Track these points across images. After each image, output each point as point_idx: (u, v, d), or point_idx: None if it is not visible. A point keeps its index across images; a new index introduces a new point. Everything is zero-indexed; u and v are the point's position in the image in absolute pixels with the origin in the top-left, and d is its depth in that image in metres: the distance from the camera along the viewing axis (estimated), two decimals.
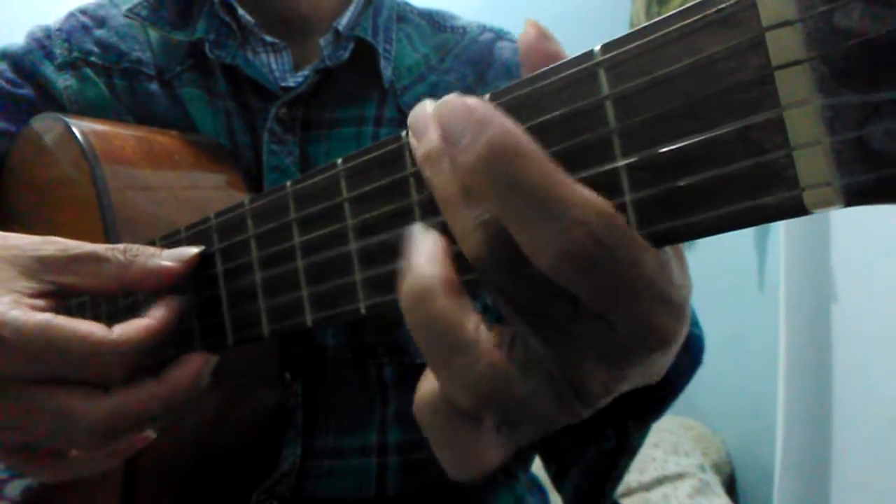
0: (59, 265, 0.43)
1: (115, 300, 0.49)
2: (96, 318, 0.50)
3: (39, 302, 0.42)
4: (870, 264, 1.37)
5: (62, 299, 0.44)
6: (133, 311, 0.47)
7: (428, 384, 0.29)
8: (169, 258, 0.43)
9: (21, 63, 0.74)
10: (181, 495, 0.60)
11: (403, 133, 0.31)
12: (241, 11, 0.72)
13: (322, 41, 0.73)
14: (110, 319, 0.49)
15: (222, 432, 0.61)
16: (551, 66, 0.26)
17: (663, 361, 0.29)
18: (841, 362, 1.46)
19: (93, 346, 0.39)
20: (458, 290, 0.27)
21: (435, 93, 0.74)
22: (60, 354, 0.39)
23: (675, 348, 0.28)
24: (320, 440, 0.65)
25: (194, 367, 0.44)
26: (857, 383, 1.40)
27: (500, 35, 0.83)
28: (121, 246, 0.43)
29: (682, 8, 0.23)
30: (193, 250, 0.43)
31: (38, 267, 0.42)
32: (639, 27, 0.24)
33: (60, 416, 0.41)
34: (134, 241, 0.51)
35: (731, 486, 1.93)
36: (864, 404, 1.37)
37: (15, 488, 0.68)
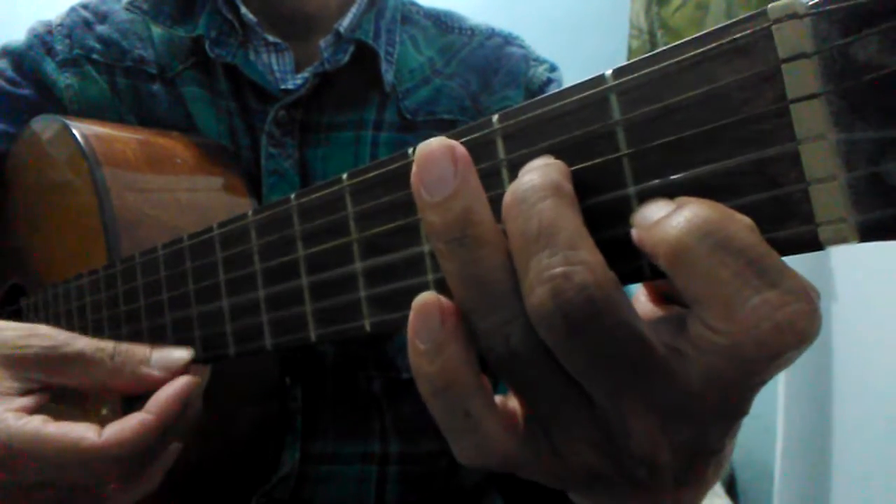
0: (45, 364, 0.42)
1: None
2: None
3: (29, 401, 0.41)
4: (870, 264, 1.37)
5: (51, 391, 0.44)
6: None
7: (442, 365, 0.27)
8: (158, 366, 0.42)
9: (22, 61, 0.74)
10: (181, 497, 0.59)
11: (410, 150, 0.31)
12: (243, 10, 0.71)
13: (322, 43, 0.72)
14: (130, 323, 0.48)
15: (222, 435, 0.61)
16: (562, 88, 0.26)
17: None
18: (841, 362, 1.46)
19: (81, 454, 0.38)
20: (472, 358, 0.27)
21: (438, 98, 0.73)
22: (52, 464, 0.38)
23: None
24: (320, 445, 0.65)
25: (201, 379, 0.44)
26: (857, 383, 1.40)
27: (508, 40, 0.81)
28: (110, 347, 0.42)
29: (695, 35, 0.23)
30: (182, 357, 0.43)
31: (24, 365, 0.42)
32: (651, 53, 0.24)
33: (94, 493, 0.41)
34: (134, 246, 0.51)
35: (731, 486, 1.93)
36: (864, 404, 1.37)
37: None
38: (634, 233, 0.24)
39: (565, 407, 0.26)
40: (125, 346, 0.43)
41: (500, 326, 0.25)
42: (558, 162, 0.26)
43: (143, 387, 0.42)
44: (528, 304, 0.24)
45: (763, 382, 0.23)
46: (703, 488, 0.28)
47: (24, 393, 0.41)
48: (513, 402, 0.28)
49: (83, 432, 0.39)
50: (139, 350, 0.43)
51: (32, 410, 0.41)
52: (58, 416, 0.40)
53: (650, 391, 0.24)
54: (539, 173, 0.25)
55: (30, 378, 0.42)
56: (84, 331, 0.51)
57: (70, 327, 0.52)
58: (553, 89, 0.78)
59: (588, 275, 0.23)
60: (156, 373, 0.42)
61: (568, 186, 0.25)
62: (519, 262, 0.24)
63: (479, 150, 0.29)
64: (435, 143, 0.26)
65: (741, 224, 0.22)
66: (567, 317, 0.23)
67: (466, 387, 0.26)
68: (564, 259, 0.23)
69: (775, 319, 0.21)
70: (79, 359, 0.42)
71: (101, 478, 0.40)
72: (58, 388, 0.43)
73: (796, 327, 0.21)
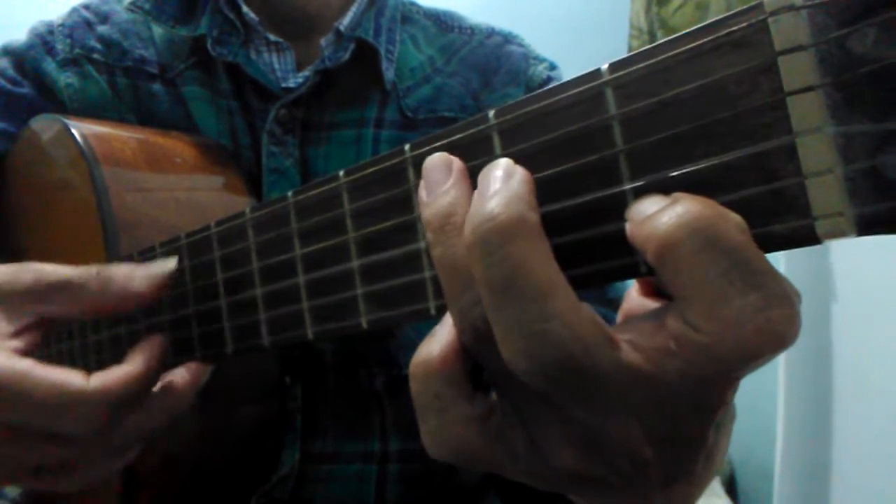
0: (35, 296, 0.42)
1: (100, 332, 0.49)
2: (84, 348, 0.50)
3: (20, 343, 0.41)
4: (870, 264, 1.37)
5: (45, 329, 0.44)
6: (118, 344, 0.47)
7: (426, 348, 0.28)
8: (143, 280, 0.42)
9: (22, 60, 0.74)
10: (181, 497, 0.59)
11: (406, 146, 0.31)
12: (245, 9, 0.71)
13: (323, 41, 0.72)
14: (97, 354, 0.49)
15: (222, 435, 0.61)
16: (558, 83, 0.26)
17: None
18: (841, 362, 1.45)
19: (67, 397, 0.38)
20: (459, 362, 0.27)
21: (439, 96, 0.74)
22: (36, 406, 0.38)
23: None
24: (319, 445, 0.65)
25: (196, 375, 0.44)
26: (857, 383, 1.40)
27: (508, 39, 0.82)
28: (94, 269, 0.42)
29: (691, 29, 0.23)
30: (165, 267, 0.43)
31: (15, 300, 0.42)
32: (647, 47, 0.24)
33: (64, 451, 0.41)
34: (133, 245, 0.51)
35: (731, 486, 1.93)
36: (864, 404, 1.37)
37: (14, 489, 0.68)
38: (628, 227, 0.24)
39: (540, 402, 0.26)
40: (109, 266, 0.43)
41: (469, 307, 0.26)
42: (519, 176, 0.25)
43: (131, 302, 0.42)
44: (502, 352, 0.24)
45: (740, 378, 0.24)
46: (695, 484, 0.28)
47: (16, 335, 0.42)
48: (494, 402, 0.28)
49: (72, 377, 0.39)
50: (123, 267, 0.43)
51: (23, 353, 0.41)
52: None
53: (628, 402, 0.24)
54: (501, 203, 0.24)
55: (22, 312, 0.42)
56: (83, 330, 0.51)
57: (69, 326, 0.52)
58: None
59: (563, 330, 0.23)
60: (142, 286, 0.42)
61: (532, 217, 0.24)
62: (487, 306, 0.24)
63: (476, 146, 0.29)
64: (436, 156, 0.29)
65: (732, 224, 0.22)
66: (543, 373, 0.23)
67: (439, 370, 0.27)
68: (536, 315, 0.23)
69: (757, 322, 0.21)
70: (65, 285, 0.42)
71: (84, 424, 0.40)
72: (52, 320, 0.44)
73: (777, 331, 0.21)
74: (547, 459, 0.27)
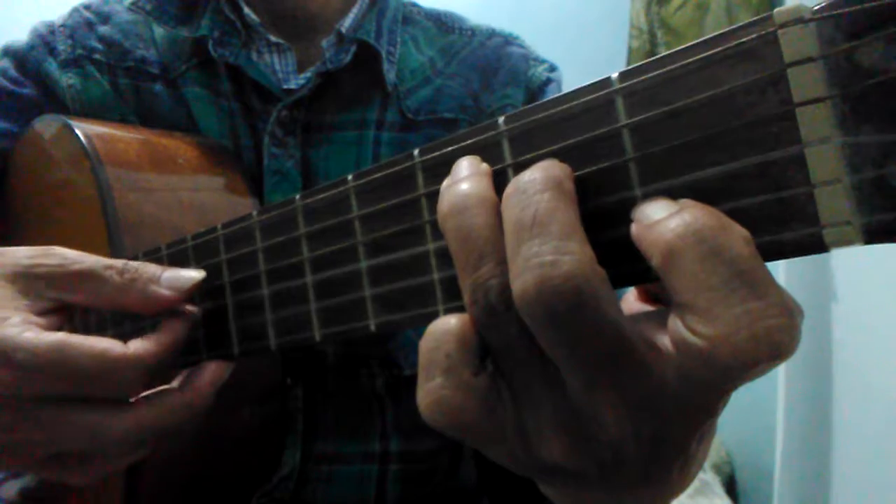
0: (57, 281, 0.42)
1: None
2: (102, 323, 0.50)
3: (47, 319, 0.41)
4: (870, 264, 1.37)
5: (65, 315, 0.44)
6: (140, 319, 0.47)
7: (445, 317, 0.29)
8: (168, 285, 0.42)
9: (24, 61, 0.74)
10: (182, 497, 0.60)
11: (415, 152, 0.31)
12: (246, 10, 0.71)
13: (324, 43, 0.72)
14: (116, 326, 0.49)
15: (224, 435, 0.61)
16: (569, 91, 0.26)
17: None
18: (841, 362, 1.46)
19: (110, 362, 0.39)
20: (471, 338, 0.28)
21: (439, 97, 0.74)
22: (78, 373, 0.38)
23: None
24: (320, 445, 0.65)
25: (217, 373, 0.44)
26: (857, 383, 1.41)
27: (508, 40, 0.82)
28: (119, 264, 0.42)
29: (701, 39, 0.23)
30: (193, 278, 0.43)
31: (37, 283, 0.42)
32: (657, 56, 0.24)
33: (88, 432, 0.41)
34: (137, 245, 0.51)
35: (731, 486, 1.93)
36: (864, 404, 1.37)
37: (12, 488, 0.68)
38: (633, 227, 0.24)
39: (538, 384, 0.27)
40: (136, 264, 0.43)
41: (483, 280, 0.26)
42: (564, 164, 0.26)
43: (151, 305, 0.42)
44: (514, 289, 0.24)
45: (734, 388, 0.24)
46: (667, 491, 0.28)
47: (43, 312, 0.42)
48: (494, 381, 0.29)
49: (111, 342, 0.39)
50: (150, 268, 0.43)
51: (51, 329, 0.41)
52: None
53: (624, 384, 0.25)
54: (541, 169, 0.26)
55: (44, 296, 0.42)
56: (87, 329, 0.51)
57: (72, 325, 0.52)
58: (552, 89, 0.78)
59: (576, 265, 0.23)
60: (165, 292, 0.42)
61: (569, 185, 0.25)
62: (510, 248, 0.25)
63: (486, 153, 0.29)
64: (466, 157, 0.29)
65: (737, 235, 0.22)
66: (549, 305, 0.23)
67: (456, 332, 0.28)
68: (555, 248, 0.24)
69: (753, 330, 0.21)
70: (89, 275, 0.42)
71: (125, 388, 0.40)
72: (71, 307, 0.43)
73: (773, 340, 0.22)
74: (531, 447, 0.27)
